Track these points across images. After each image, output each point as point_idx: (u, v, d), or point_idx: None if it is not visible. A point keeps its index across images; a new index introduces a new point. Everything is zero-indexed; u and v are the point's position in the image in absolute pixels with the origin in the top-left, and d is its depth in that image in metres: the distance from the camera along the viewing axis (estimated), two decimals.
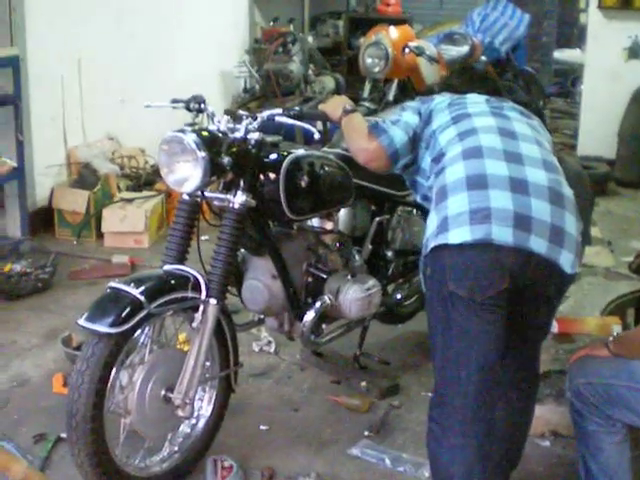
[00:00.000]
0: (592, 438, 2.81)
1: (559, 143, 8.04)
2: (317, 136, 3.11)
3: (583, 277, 4.84)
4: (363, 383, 3.85)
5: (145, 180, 6.26)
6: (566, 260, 2.65)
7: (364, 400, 3.73)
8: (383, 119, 3.16)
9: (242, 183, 3.09)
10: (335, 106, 3.30)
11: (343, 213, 3.65)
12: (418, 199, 3.17)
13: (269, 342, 4.22)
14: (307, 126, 3.14)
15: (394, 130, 3.04)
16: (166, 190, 5.84)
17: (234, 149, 3.03)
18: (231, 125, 3.12)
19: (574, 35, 9.83)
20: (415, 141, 3.03)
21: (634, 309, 3.74)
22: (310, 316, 3.44)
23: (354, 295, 3.51)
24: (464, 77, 3.31)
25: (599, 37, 7.99)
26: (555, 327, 3.32)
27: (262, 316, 3.60)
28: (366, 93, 6.54)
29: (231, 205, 3.08)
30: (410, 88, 6.59)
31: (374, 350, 4.11)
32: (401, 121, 3.06)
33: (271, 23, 8.51)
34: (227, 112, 3.27)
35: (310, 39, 8.54)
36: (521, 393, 2.93)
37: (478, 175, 2.69)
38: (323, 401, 3.79)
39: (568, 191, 2.78)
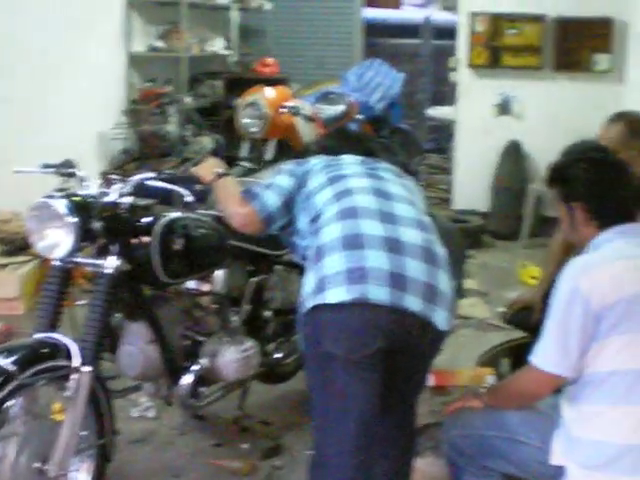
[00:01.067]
0: None
1: (435, 198, 8.23)
2: (189, 199, 3.11)
3: (458, 329, 4.94)
4: (245, 445, 3.83)
5: (20, 245, 6.12)
6: (440, 317, 2.71)
7: (246, 462, 3.71)
8: (257, 183, 3.19)
9: (115, 248, 3.07)
10: (207, 169, 3.31)
11: (219, 274, 3.65)
12: (297, 259, 3.20)
13: (148, 407, 4.16)
14: (179, 189, 3.13)
15: (267, 194, 3.06)
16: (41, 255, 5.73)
17: (105, 214, 3.02)
18: (102, 190, 3.10)
19: (448, 92, 10.10)
20: (290, 203, 3.06)
21: (508, 359, 3.83)
22: (187, 380, 3.42)
23: (231, 357, 3.51)
24: (339, 139, 3.37)
25: (470, 94, 8.26)
26: (431, 380, 3.36)
27: (139, 381, 3.56)
28: (244, 153, 6.56)
29: (103, 270, 3.05)
30: (288, 147, 6.65)
31: (256, 410, 4.10)
32: (274, 185, 3.08)
33: (148, 84, 8.49)
34: (103, 174, 3.26)
35: (188, 100, 8.54)
36: (400, 449, 2.95)
37: (354, 235, 2.74)
38: (205, 465, 3.75)
39: (441, 250, 2.85)
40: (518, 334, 3.98)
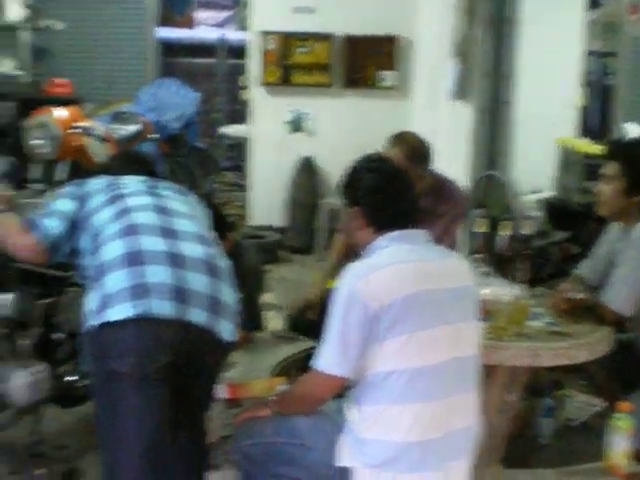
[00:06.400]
0: None
1: (233, 215, 8.30)
2: None
3: (254, 341, 5.01)
4: (41, 471, 3.76)
5: None
6: (225, 329, 2.77)
7: None
8: (40, 209, 3.15)
9: None
10: None
11: (6, 298, 3.58)
12: (79, 279, 3.16)
13: None
14: None
15: (47, 222, 2.99)
16: None
17: None
18: None
19: (242, 111, 10.23)
20: (73, 227, 3.00)
21: (298, 369, 3.93)
22: None
23: (20, 381, 3.45)
24: (121, 160, 3.40)
25: (263, 112, 8.42)
26: (224, 393, 3.42)
27: None
28: (34, 174, 6.42)
29: None
30: (81, 168, 6.56)
31: (53, 434, 4.02)
32: (55, 210, 3.02)
33: None
34: None
35: None
36: (192, 464, 2.97)
37: (135, 252, 2.76)
38: None
39: (224, 263, 2.91)
40: (311, 344, 4.09)
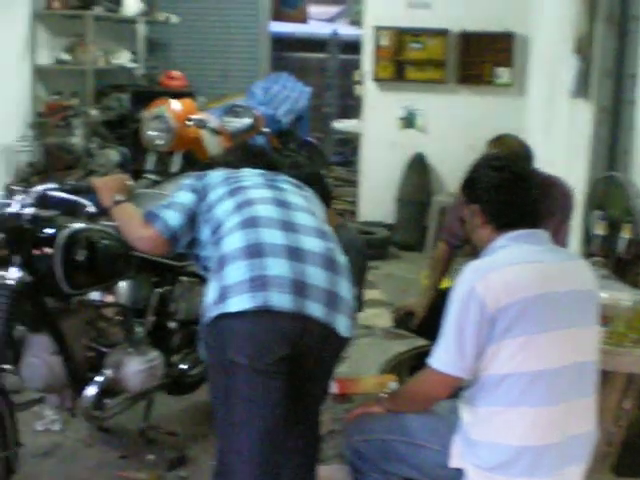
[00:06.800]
0: None
1: (341, 210, 8.32)
2: (91, 210, 3.12)
3: (362, 338, 5.00)
4: (150, 456, 3.83)
5: None
6: (342, 324, 2.76)
7: (151, 473, 3.72)
8: (161, 197, 3.19)
9: (16, 259, 3.05)
10: (106, 192, 3.24)
11: (123, 285, 3.65)
12: (200, 270, 3.19)
13: (53, 420, 4.12)
14: (81, 200, 3.14)
15: (168, 213, 3.03)
16: None
17: (7, 225, 3.00)
18: (4, 201, 3.09)
19: (354, 106, 10.23)
20: (193, 218, 3.03)
21: (408, 367, 3.91)
22: (91, 391, 3.41)
23: (135, 368, 3.51)
24: (239, 153, 3.41)
25: (375, 108, 8.38)
26: (334, 388, 3.42)
27: (43, 394, 3.53)
28: (150, 165, 6.56)
29: (5, 282, 3.03)
30: (194, 160, 6.66)
31: (161, 421, 4.10)
32: (175, 202, 3.05)
33: (54, 97, 8.41)
34: (7, 187, 3.24)
35: (94, 112, 8.46)
36: (304, 457, 2.99)
37: (255, 244, 2.76)
38: (110, 477, 3.74)
39: (342, 258, 2.90)
40: (422, 342, 4.08)
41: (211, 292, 2.75)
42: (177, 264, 3.87)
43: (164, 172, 6.47)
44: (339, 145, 11.59)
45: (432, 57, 8.17)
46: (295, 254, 2.76)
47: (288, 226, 2.85)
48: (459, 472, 2.67)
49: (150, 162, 6.60)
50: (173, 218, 3.02)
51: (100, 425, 3.93)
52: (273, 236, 2.79)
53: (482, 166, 2.87)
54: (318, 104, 10.91)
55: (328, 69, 12.28)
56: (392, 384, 3.55)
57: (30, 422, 4.03)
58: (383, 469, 2.85)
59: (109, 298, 3.60)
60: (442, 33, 8.11)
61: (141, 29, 9.89)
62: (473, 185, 2.84)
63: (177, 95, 7.52)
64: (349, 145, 10.89)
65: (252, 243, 2.77)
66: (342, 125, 10.50)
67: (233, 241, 2.80)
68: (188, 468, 3.82)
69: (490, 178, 2.80)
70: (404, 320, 4.25)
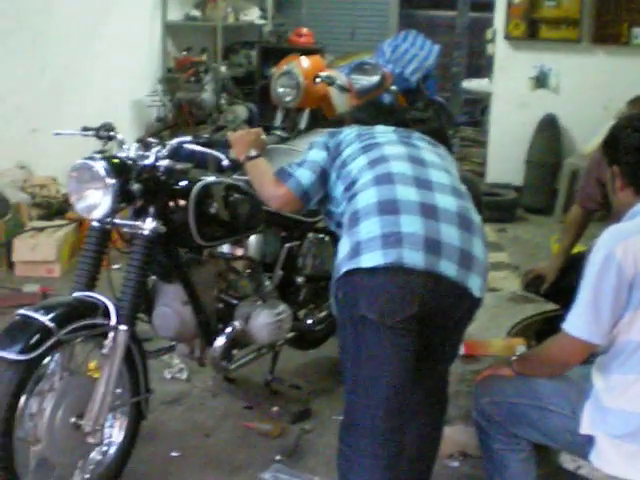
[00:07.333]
0: (498, 456, 2.87)
1: (469, 171, 8.20)
2: (226, 163, 3.14)
3: (489, 300, 4.92)
4: (275, 408, 3.87)
5: (57, 209, 6.21)
6: (475, 284, 2.71)
7: (276, 425, 3.75)
8: (291, 152, 3.18)
9: (152, 210, 3.11)
10: (241, 146, 3.26)
11: (253, 239, 3.68)
12: (332, 227, 3.18)
13: (181, 369, 4.21)
14: (216, 153, 3.16)
15: (300, 172, 3.03)
16: (78, 219, 5.79)
17: (143, 176, 3.06)
18: (141, 152, 3.14)
19: (483, 65, 10.04)
20: (325, 176, 3.03)
21: (536, 331, 3.84)
22: (221, 342, 3.47)
23: (264, 320, 3.55)
24: (371, 110, 3.37)
25: (506, 67, 8.19)
26: (462, 349, 3.38)
27: (173, 343, 3.61)
28: (278, 122, 6.59)
29: (141, 232, 3.09)
30: (322, 117, 6.66)
31: (286, 375, 4.14)
32: (307, 161, 3.05)
33: (184, 53, 8.53)
34: (139, 141, 3.29)
35: (223, 69, 8.56)
36: (430, 415, 3.00)
37: (389, 201, 2.74)
38: (235, 427, 3.80)
39: (476, 217, 2.84)
40: (551, 306, 4.00)
41: (344, 247, 2.74)
42: (306, 220, 3.88)
43: (292, 128, 6.50)
44: (467, 105, 11.41)
45: (567, 15, 7.93)
46: (429, 212, 2.71)
47: (422, 183, 2.80)
48: (589, 439, 2.62)
49: (278, 118, 6.64)
50: (305, 177, 3.02)
51: (227, 375, 3.99)
52: (407, 193, 2.75)
53: (624, 126, 2.77)
54: (446, 63, 10.74)
55: (457, 27, 12.08)
56: (521, 347, 3.49)
57: (159, 370, 4.13)
58: (511, 432, 2.82)
59: (239, 251, 3.63)
60: None
61: None
62: (614, 146, 2.75)
63: (305, 52, 7.52)
64: (478, 105, 10.71)
65: (386, 199, 2.74)
66: (471, 84, 10.30)
67: (367, 197, 2.78)
68: (311, 422, 3.85)
69: (632, 139, 2.70)
70: (533, 284, 4.19)
